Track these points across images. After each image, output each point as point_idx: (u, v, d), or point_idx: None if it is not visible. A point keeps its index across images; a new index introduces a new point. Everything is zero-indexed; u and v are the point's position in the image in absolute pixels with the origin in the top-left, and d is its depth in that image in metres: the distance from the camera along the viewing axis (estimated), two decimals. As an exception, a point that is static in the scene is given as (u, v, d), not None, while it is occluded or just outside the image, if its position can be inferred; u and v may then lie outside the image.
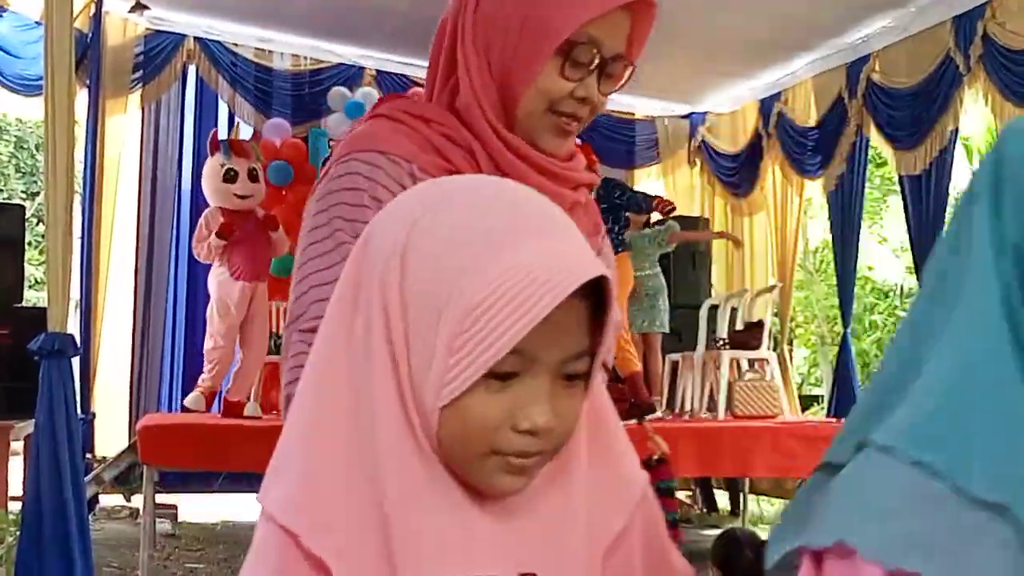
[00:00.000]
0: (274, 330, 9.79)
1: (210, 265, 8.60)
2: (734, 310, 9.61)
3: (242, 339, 8.51)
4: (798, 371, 15.64)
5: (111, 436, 9.83)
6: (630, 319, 9.33)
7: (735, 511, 10.98)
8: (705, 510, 11.09)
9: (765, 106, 11.15)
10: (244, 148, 8.62)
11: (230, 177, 8.44)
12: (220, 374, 8.41)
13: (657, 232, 9.42)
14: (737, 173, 11.65)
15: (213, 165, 8.58)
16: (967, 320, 1.02)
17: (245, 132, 10.42)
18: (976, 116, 10.25)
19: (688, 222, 11.09)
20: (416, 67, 11.28)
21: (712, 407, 9.20)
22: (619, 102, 12.01)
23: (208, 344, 8.52)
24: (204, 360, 8.57)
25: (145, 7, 10.05)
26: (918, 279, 9.42)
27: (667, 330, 9.34)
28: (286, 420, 1.33)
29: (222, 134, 9.45)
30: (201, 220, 8.64)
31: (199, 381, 8.48)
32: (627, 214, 9.56)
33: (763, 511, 11.13)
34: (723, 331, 9.41)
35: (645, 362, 9.32)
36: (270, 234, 8.63)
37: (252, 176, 8.55)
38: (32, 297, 14.72)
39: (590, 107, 1.98)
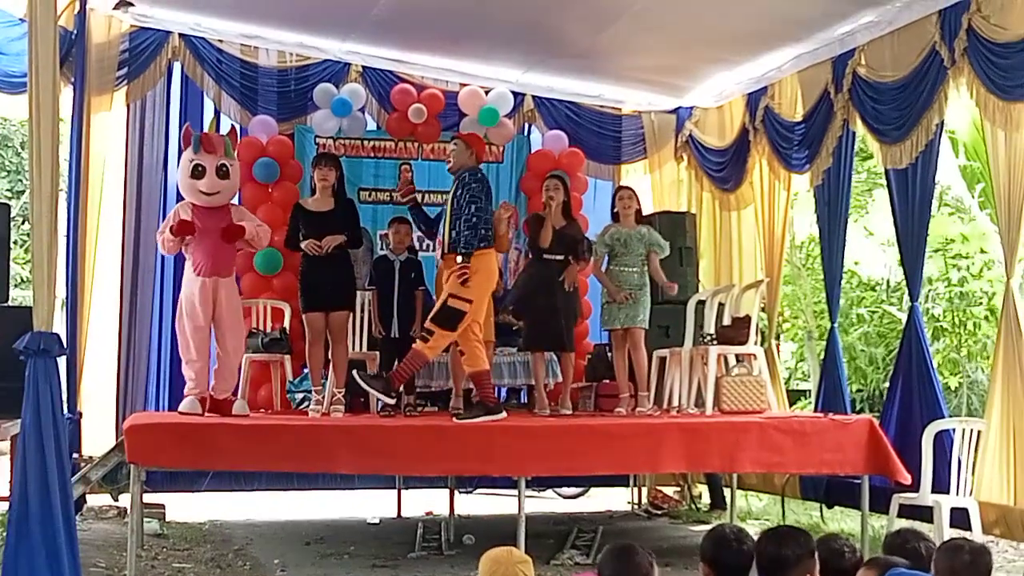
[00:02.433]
0: (261, 327, 9.77)
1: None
2: (721, 305, 9.61)
3: (217, 336, 8.43)
4: (785, 366, 15.66)
5: (98, 435, 9.79)
6: (610, 315, 9.32)
7: (717, 505, 11.00)
8: (709, 506, 11.10)
9: (752, 100, 11.15)
10: (213, 143, 8.46)
11: (198, 173, 8.35)
12: (203, 374, 8.31)
13: (647, 236, 9.35)
14: (724, 168, 11.63)
15: (184, 159, 8.52)
16: None
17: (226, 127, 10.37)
18: (961, 109, 10.26)
19: (675, 217, 11.09)
20: (402, 63, 11.26)
21: (699, 402, 9.21)
22: (606, 97, 12.01)
23: (182, 348, 8.42)
24: (184, 366, 8.48)
25: (130, 4, 10.01)
26: (904, 273, 9.44)
27: (647, 326, 9.31)
28: None
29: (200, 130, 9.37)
30: (171, 212, 8.60)
31: (187, 389, 8.38)
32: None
33: (751, 506, 11.15)
34: (710, 326, 9.41)
35: (629, 358, 9.30)
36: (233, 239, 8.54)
37: (221, 173, 8.41)
38: (18, 296, 14.67)
39: None
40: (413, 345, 8.33)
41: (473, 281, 8.11)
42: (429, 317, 8.20)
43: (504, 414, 8.23)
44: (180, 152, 10.33)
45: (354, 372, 8.29)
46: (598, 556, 8.34)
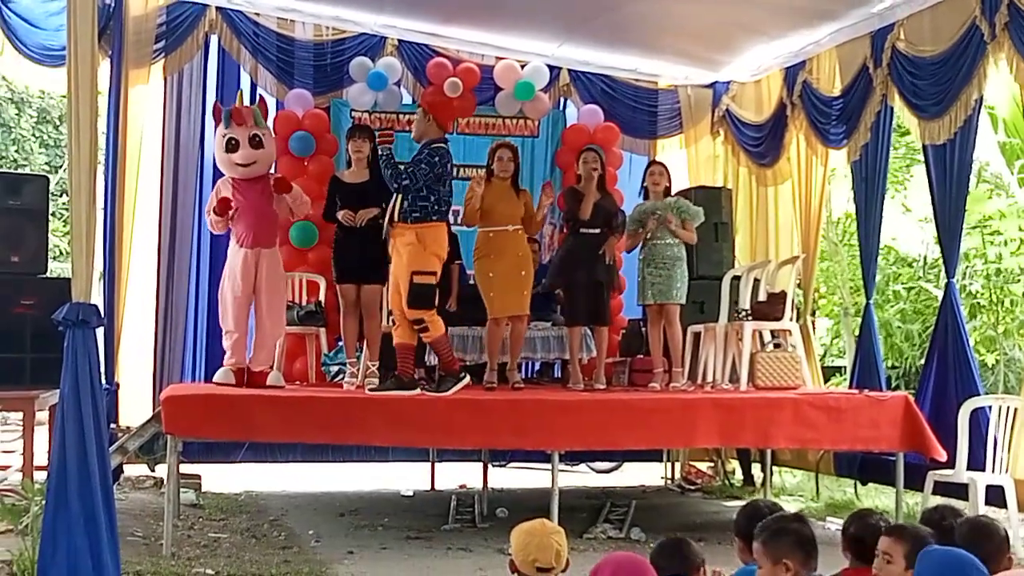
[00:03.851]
0: (297, 301, 9.83)
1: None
2: (757, 281, 9.58)
3: (256, 308, 8.50)
4: (820, 342, 15.57)
5: (135, 406, 9.88)
6: (645, 290, 9.30)
7: (749, 482, 10.98)
8: (742, 482, 11.09)
9: (790, 75, 11.06)
10: (242, 115, 8.52)
11: (231, 147, 8.43)
12: (240, 347, 8.39)
13: (680, 206, 9.33)
14: (761, 143, 11.55)
15: (217, 136, 8.60)
16: None
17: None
18: (1000, 85, 10.15)
19: (711, 193, 11.04)
20: (438, 37, 11.24)
21: (734, 378, 9.19)
22: (642, 71, 11.96)
23: (222, 318, 8.52)
24: (223, 336, 8.58)
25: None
26: (941, 249, 9.35)
27: (683, 301, 9.29)
28: None
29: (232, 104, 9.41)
30: (213, 191, 8.68)
31: (224, 359, 8.49)
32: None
33: (785, 482, 11.13)
34: (745, 302, 9.39)
35: (663, 333, 9.29)
36: (284, 198, 8.58)
37: (254, 143, 8.47)
38: (57, 269, 14.78)
39: None
40: (425, 339, 8.40)
41: (427, 254, 8.11)
42: (407, 305, 8.14)
43: (417, 390, 8.17)
44: (217, 125, 10.47)
45: (423, 387, 8.33)
46: (631, 531, 8.41)
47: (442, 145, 8.31)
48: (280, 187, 8.56)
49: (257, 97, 9.79)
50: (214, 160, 10.30)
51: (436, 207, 8.16)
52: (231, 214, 8.35)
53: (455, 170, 10.77)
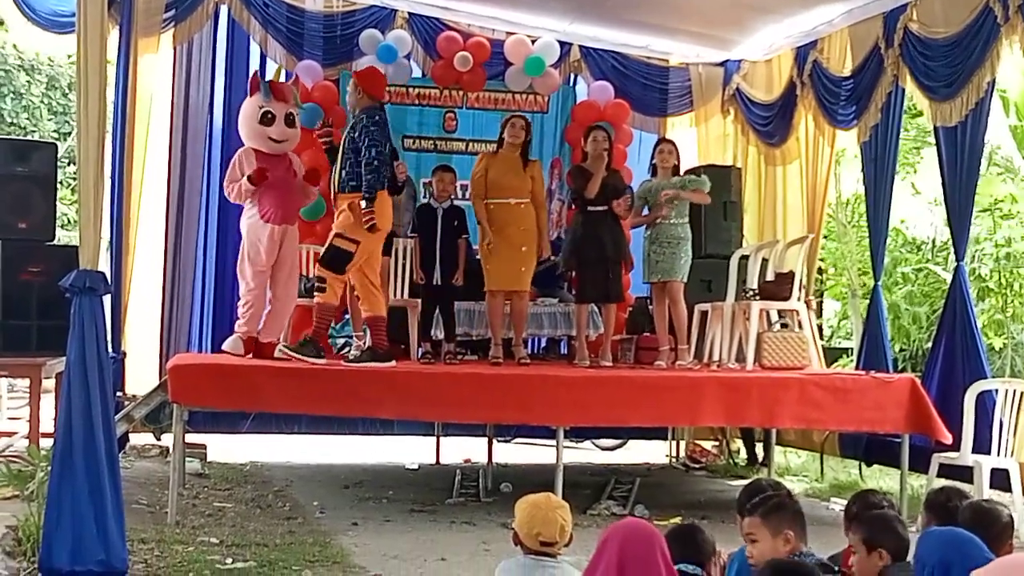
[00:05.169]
0: (305, 273, 9.84)
1: (242, 206, 8.59)
2: (765, 261, 9.56)
3: (272, 282, 8.51)
4: (828, 323, 15.55)
5: (141, 375, 9.89)
6: (650, 268, 9.28)
7: (754, 461, 10.98)
8: (747, 462, 11.09)
9: (800, 54, 11.01)
10: (284, 92, 8.56)
11: (267, 120, 8.42)
12: (255, 318, 8.42)
13: (685, 181, 9.33)
14: (771, 122, 11.50)
15: (252, 105, 8.55)
16: None
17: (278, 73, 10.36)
18: (1013, 68, 10.09)
19: (721, 171, 11.00)
20: (449, 10, 11.20)
21: (740, 357, 9.18)
22: (653, 48, 11.90)
23: (241, 289, 8.54)
24: (239, 305, 8.59)
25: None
26: (950, 232, 9.32)
27: (686, 280, 9.26)
28: None
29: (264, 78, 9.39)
30: (234, 160, 8.62)
31: (236, 326, 8.50)
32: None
33: (789, 462, 11.14)
34: (753, 281, 9.37)
35: (668, 311, 9.27)
36: (305, 185, 8.62)
37: (289, 121, 8.52)
38: (64, 237, 14.78)
39: None
40: (316, 298, 8.32)
41: (358, 225, 8.07)
42: (320, 261, 8.18)
43: (393, 362, 8.17)
44: (226, 95, 10.49)
45: (279, 348, 8.23)
46: (634, 508, 8.41)
47: (377, 110, 8.30)
48: (311, 179, 8.65)
49: (293, 76, 9.76)
50: (222, 131, 10.35)
51: (383, 175, 8.10)
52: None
53: (464, 144, 10.83)
